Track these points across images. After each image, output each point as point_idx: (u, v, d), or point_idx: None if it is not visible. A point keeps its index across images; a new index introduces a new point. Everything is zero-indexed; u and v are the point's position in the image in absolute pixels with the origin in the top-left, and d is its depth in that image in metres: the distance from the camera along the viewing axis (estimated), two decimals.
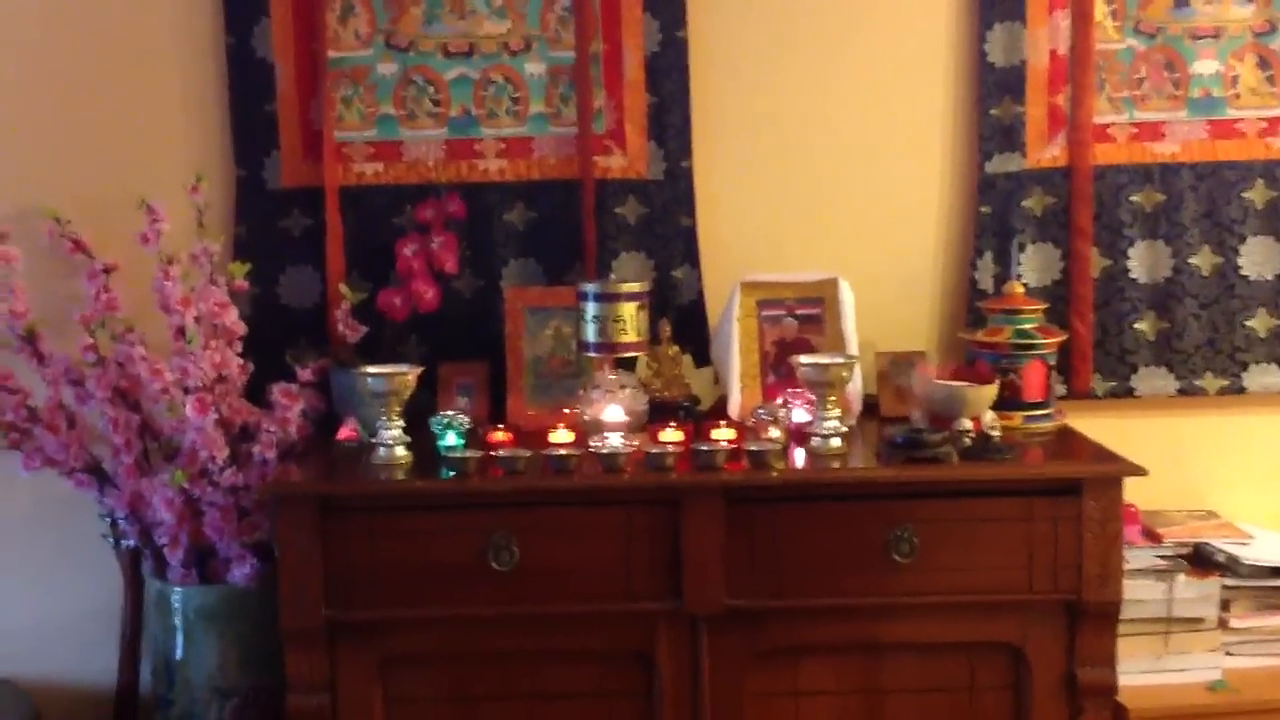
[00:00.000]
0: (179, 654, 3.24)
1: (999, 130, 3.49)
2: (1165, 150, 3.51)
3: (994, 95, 3.49)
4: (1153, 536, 3.34)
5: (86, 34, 3.44)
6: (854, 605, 2.94)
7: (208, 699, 3.21)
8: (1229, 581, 3.26)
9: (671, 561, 2.91)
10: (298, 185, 3.46)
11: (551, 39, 3.46)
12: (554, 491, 2.92)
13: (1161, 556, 3.28)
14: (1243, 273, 3.52)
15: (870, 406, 3.36)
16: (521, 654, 2.97)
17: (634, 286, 3.17)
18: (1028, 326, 3.28)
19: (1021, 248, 3.49)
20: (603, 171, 3.47)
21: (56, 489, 3.36)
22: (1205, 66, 3.51)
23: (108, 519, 3.36)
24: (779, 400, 3.17)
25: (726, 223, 3.53)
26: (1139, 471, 2.91)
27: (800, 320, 3.35)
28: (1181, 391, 3.53)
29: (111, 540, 3.38)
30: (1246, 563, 3.26)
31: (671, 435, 3.04)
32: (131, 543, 3.34)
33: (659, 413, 3.24)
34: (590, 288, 3.16)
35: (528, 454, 2.94)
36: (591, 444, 3.02)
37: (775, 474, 2.91)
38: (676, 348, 3.38)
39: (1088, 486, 2.90)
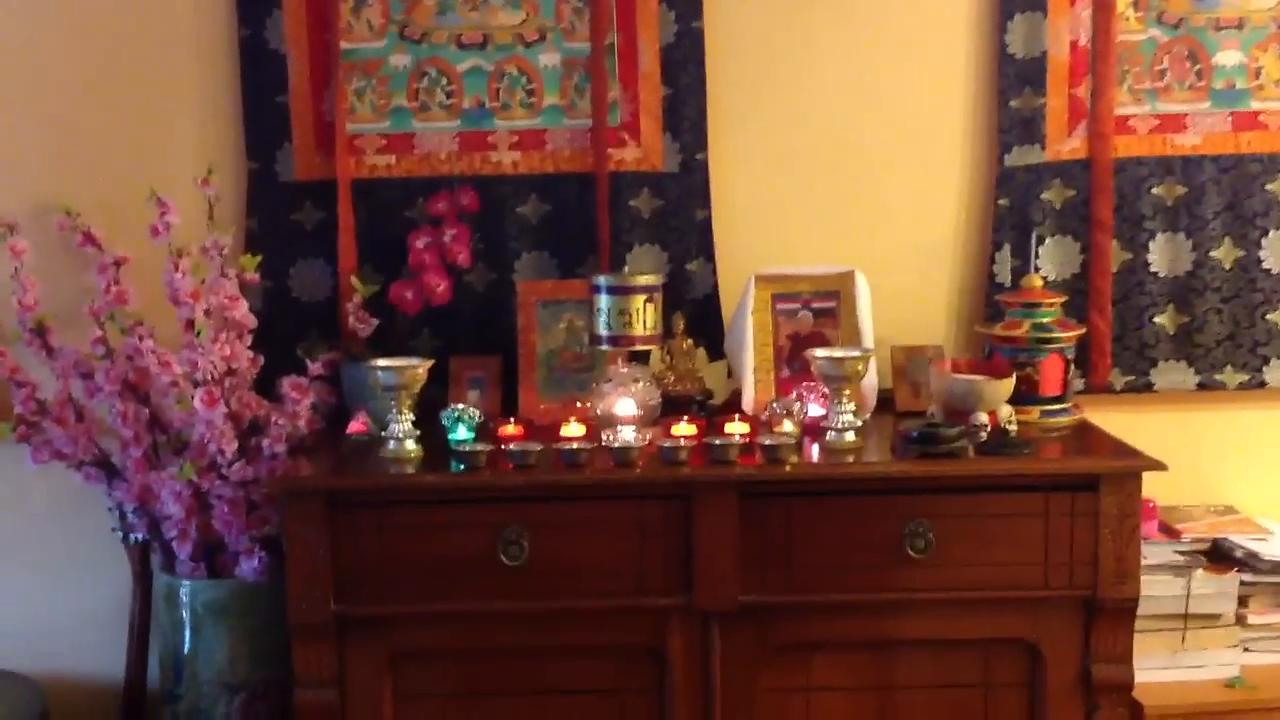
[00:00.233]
0: (187, 648, 3.22)
1: (1019, 122, 3.45)
2: (1187, 142, 3.47)
3: (1014, 87, 3.45)
4: (1170, 532, 3.31)
5: (98, 26, 3.42)
6: (867, 601, 2.91)
7: (216, 693, 3.19)
8: (1247, 577, 3.22)
9: (683, 557, 2.88)
10: (310, 178, 3.43)
11: (566, 30, 3.44)
12: (565, 486, 2.89)
13: (1179, 552, 3.25)
14: (1265, 266, 3.47)
15: (885, 401, 3.32)
16: (532, 649, 2.94)
17: (647, 280, 3.15)
18: (1046, 320, 3.25)
19: (1040, 241, 3.45)
20: (617, 164, 3.44)
21: (66, 482, 3.35)
22: (1228, 58, 3.47)
23: (117, 512, 3.34)
24: (793, 394, 3.14)
25: (742, 216, 3.49)
26: (1158, 466, 2.88)
27: (815, 314, 3.32)
28: (1201, 386, 3.49)
29: (120, 534, 3.37)
30: (1265, 558, 3.22)
31: (684, 429, 3.01)
32: (140, 536, 3.33)
33: (672, 407, 3.20)
34: (603, 280, 3.13)
35: (538, 448, 2.91)
36: (603, 438, 2.99)
37: (788, 468, 2.88)
38: (690, 341, 3.35)
39: (1105, 482, 2.86)
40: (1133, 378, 3.49)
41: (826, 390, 3.04)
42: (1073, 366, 3.28)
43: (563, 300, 3.34)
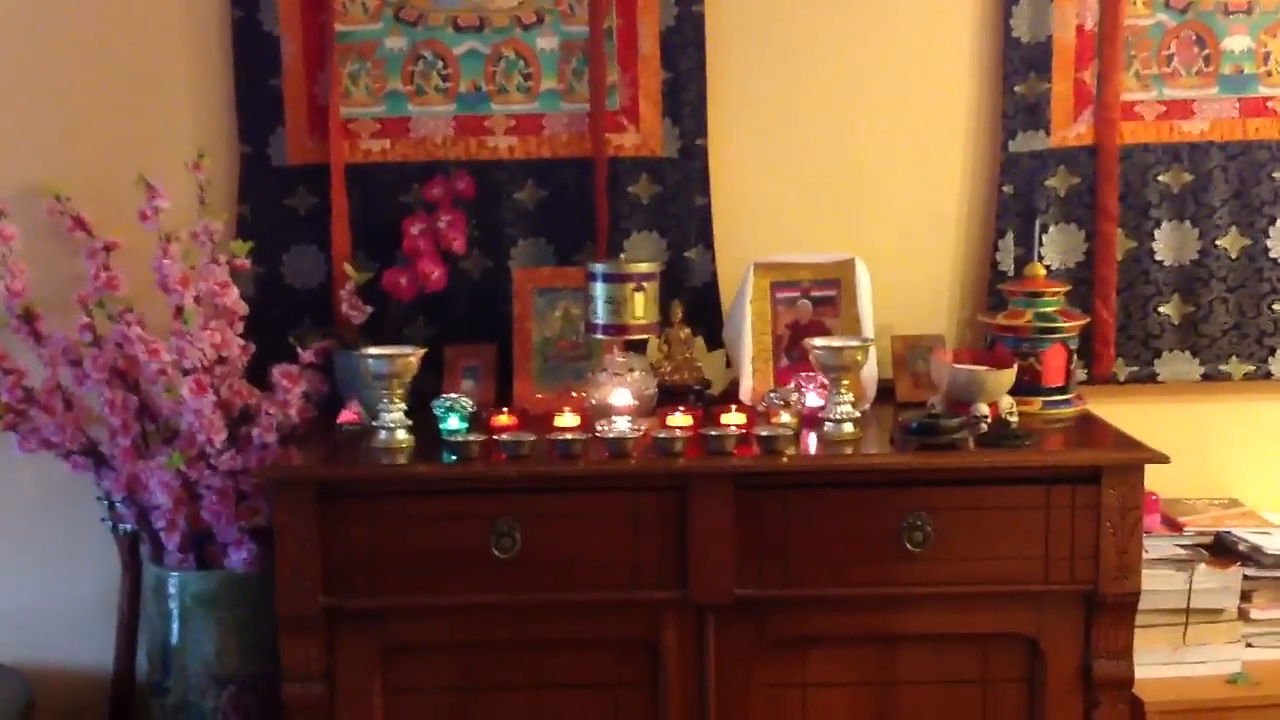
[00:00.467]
0: (175, 640, 3.18)
1: (1023, 108, 3.40)
2: (1194, 129, 3.42)
3: (1019, 71, 3.40)
4: (1173, 525, 3.27)
5: (88, 7, 3.37)
6: (865, 595, 2.88)
7: (204, 686, 3.15)
8: (1250, 572, 3.18)
9: (679, 549, 2.84)
10: (303, 162, 3.39)
11: (564, 13, 3.39)
12: (558, 477, 2.85)
13: (1182, 546, 3.21)
14: (1272, 255, 3.42)
15: (886, 391, 3.28)
16: (525, 643, 2.91)
17: (644, 267, 3.10)
18: (1049, 310, 3.20)
19: (1044, 229, 3.40)
20: (615, 149, 3.40)
21: (55, 471, 3.31)
22: (1237, 43, 3.41)
23: (106, 502, 3.30)
24: (791, 384, 3.09)
25: (742, 202, 3.45)
26: (1160, 459, 2.83)
27: (815, 302, 3.27)
28: (1206, 377, 3.45)
29: (110, 524, 3.33)
30: (1269, 552, 3.18)
31: (680, 420, 2.97)
32: (129, 526, 3.29)
33: (669, 397, 3.17)
34: (599, 268, 3.09)
35: (532, 438, 2.87)
36: (598, 428, 2.95)
37: (785, 460, 2.84)
38: (688, 330, 3.31)
39: (1107, 474, 2.82)
40: (1137, 368, 3.44)
41: (825, 380, 3.00)
42: (1076, 357, 3.24)
43: (559, 288, 3.30)
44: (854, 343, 2.99)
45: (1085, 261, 3.42)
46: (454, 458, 2.88)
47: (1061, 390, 3.19)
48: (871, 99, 3.43)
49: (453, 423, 2.98)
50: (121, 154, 3.35)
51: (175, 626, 3.19)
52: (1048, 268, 3.34)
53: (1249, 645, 3.19)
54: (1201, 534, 3.25)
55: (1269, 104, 3.41)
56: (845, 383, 2.96)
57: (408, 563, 2.84)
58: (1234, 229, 3.42)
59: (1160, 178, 3.41)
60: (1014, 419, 2.95)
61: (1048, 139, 3.40)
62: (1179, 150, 3.41)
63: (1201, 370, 3.44)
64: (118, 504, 3.27)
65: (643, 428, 2.95)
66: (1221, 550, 3.23)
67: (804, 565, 2.85)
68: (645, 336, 3.15)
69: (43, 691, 3.38)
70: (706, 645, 2.87)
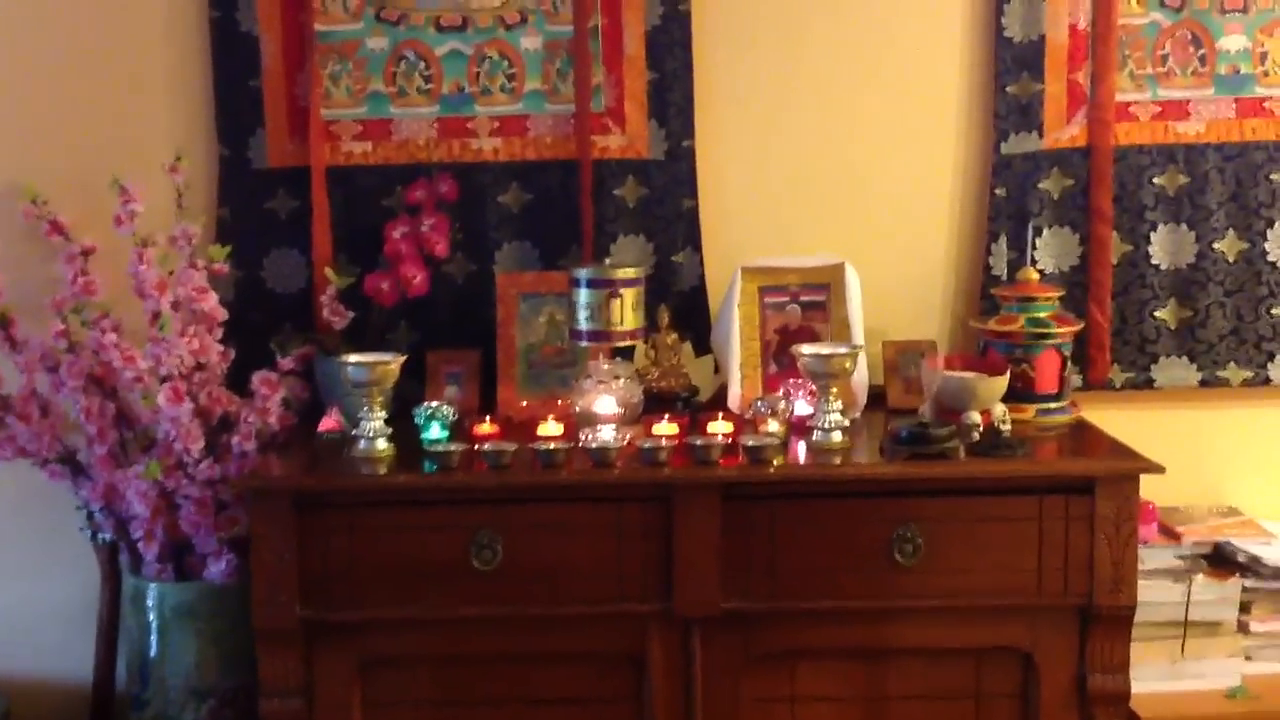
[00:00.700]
0: (154, 652, 3.13)
1: (1015, 109, 3.35)
2: (1190, 130, 3.37)
3: (1011, 72, 3.34)
4: (1171, 535, 3.22)
5: (65, 7, 3.32)
6: (855, 608, 2.82)
7: (183, 700, 3.10)
8: (1250, 583, 3.13)
9: (664, 561, 2.79)
10: (283, 165, 3.34)
11: (548, 12, 3.33)
12: (541, 487, 2.80)
13: (1179, 556, 3.16)
14: (1270, 259, 3.37)
15: (877, 398, 3.23)
16: (507, 656, 2.86)
17: (629, 272, 3.04)
18: (1042, 315, 3.15)
19: (1038, 232, 3.35)
20: (601, 151, 3.35)
21: (34, 478, 3.25)
22: (1233, 42, 3.36)
23: (85, 511, 3.24)
24: (779, 392, 3.04)
25: (730, 205, 3.40)
26: (1156, 469, 2.79)
27: (804, 307, 3.22)
28: (1204, 383, 3.39)
29: (89, 532, 3.27)
30: (1268, 563, 3.12)
31: (665, 428, 2.92)
32: (108, 536, 3.23)
33: (656, 403, 3.12)
34: (583, 274, 3.03)
35: (513, 448, 2.82)
36: (582, 437, 2.89)
37: (772, 470, 2.79)
38: (675, 335, 3.26)
39: (1101, 484, 2.77)
40: (1133, 374, 3.39)
41: (814, 387, 2.94)
42: (1070, 363, 3.18)
43: (543, 293, 3.25)
44: (842, 350, 2.93)
45: (1080, 265, 3.37)
46: (434, 467, 2.82)
47: (1056, 397, 3.14)
48: (861, 100, 3.38)
49: (434, 431, 2.93)
50: (99, 156, 3.29)
51: (154, 638, 3.14)
52: (1041, 272, 3.29)
53: (1248, 659, 3.13)
54: (1199, 544, 3.19)
55: (1266, 104, 3.36)
56: (834, 390, 2.90)
57: (387, 575, 2.79)
58: (1231, 232, 3.37)
59: (1156, 180, 3.36)
60: (1006, 427, 2.89)
61: (1041, 140, 3.35)
62: (1174, 152, 3.36)
63: (1199, 376, 3.39)
64: (96, 513, 3.21)
65: (627, 436, 2.90)
66: (1220, 561, 3.18)
67: (792, 577, 2.80)
68: (630, 344, 3.09)
69: (20, 702, 3.34)
70: (693, 659, 2.82)
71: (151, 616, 3.13)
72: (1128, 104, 3.35)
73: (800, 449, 2.91)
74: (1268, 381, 3.39)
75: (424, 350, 3.27)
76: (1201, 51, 3.36)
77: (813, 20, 3.36)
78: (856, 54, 3.37)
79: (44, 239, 3.22)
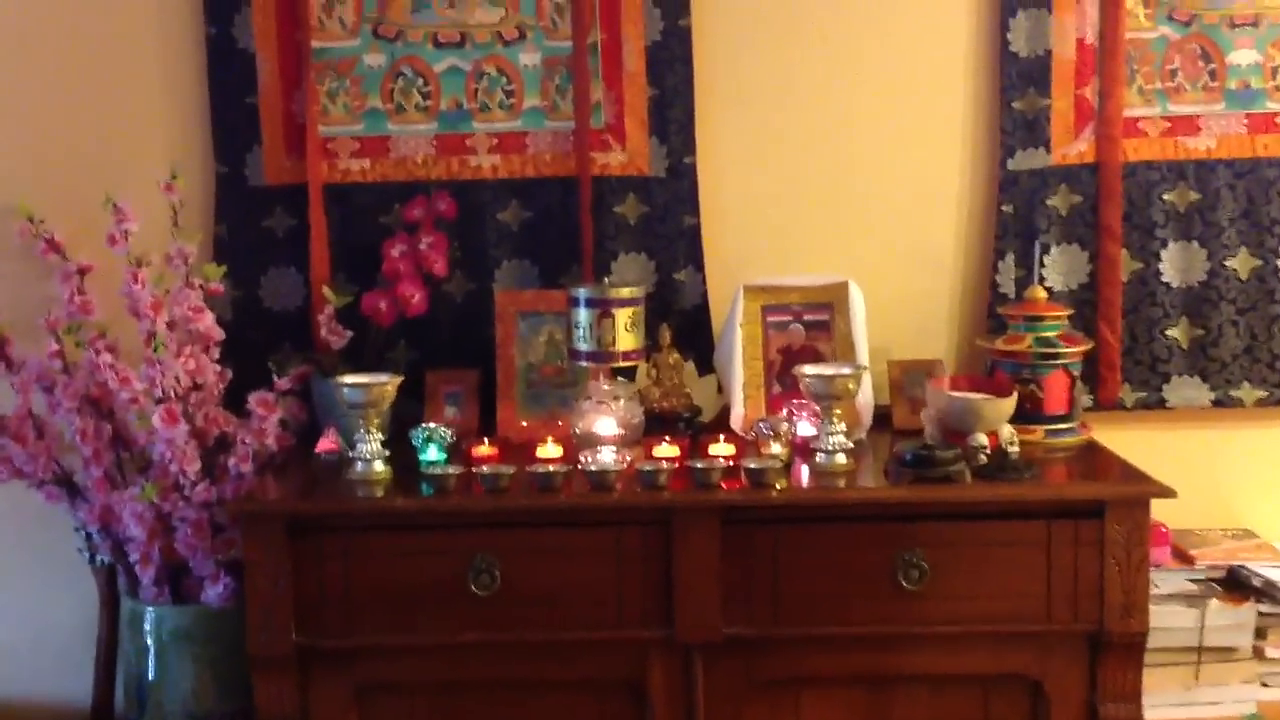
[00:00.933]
0: (152, 676, 3.09)
1: (1022, 124, 3.30)
2: (1200, 145, 3.32)
3: (1017, 87, 3.30)
4: (1184, 558, 3.16)
5: (60, 23, 3.30)
6: (859, 634, 2.77)
7: None
8: (1265, 608, 3.06)
9: (664, 586, 2.74)
10: (281, 183, 3.31)
11: (547, 28, 3.30)
12: (538, 511, 2.76)
13: (1193, 580, 3.10)
14: None
15: (883, 418, 3.18)
16: (505, 683, 2.81)
17: (628, 292, 3.00)
18: (1050, 334, 3.10)
19: (1046, 249, 3.30)
20: (601, 168, 3.30)
21: (33, 499, 3.21)
22: (1243, 56, 3.32)
23: (83, 532, 3.20)
24: (782, 413, 2.99)
25: (732, 222, 3.36)
26: (1167, 493, 2.73)
27: (808, 326, 3.17)
28: (1217, 403, 3.34)
29: (87, 555, 3.23)
30: None
31: (666, 450, 2.88)
32: (106, 558, 3.19)
33: (658, 424, 3.07)
34: (581, 293, 2.98)
35: (511, 470, 2.77)
36: (581, 460, 2.85)
37: (774, 494, 2.74)
38: (677, 355, 3.21)
39: (1111, 508, 2.71)
40: (1144, 394, 3.34)
41: (817, 408, 2.89)
42: (1080, 382, 3.13)
43: (543, 312, 3.21)
44: (845, 370, 2.89)
45: (1089, 283, 3.32)
46: (430, 491, 2.77)
47: (1065, 418, 3.08)
48: (865, 115, 3.34)
49: (431, 453, 2.89)
50: (95, 174, 3.26)
51: (151, 662, 3.10)
52: (1049, 290, 3.24)
53: (1264, 685, 3.06)
54: (1214, 568, 3.14)
55: (1278, 120, 3.31)
56: (837, 412, 2.85)
57: (383, 600, 2.74)
58: (1243, 249, 3.31)
59: (1165, 196, 3.31)
60: (1014, 449, 2.83)
61: (1048, 156, 3.30)
62: (1184, 168, 3.31)
63: (1212, 396, 3.34)
64: (93, 535, 3.17)
65: (627, 459, 2.85)
66: (1235, 585, 3.12)
67: (795, 603, 2.75)
68: (629, 364, 3.04)
69: None
70: (694, 686, 2.77)
71: (149, 640, 3.09)
72: (1136, 119, 3.31)
73: (803, 471, 2.87)
74: None
75: (423, 370, 3.23)
76: (1211, 66, 3.31)
77: (816, 35, 3.32)
78: (860, 69, 3.33)
79: (40, 258, 3.18)
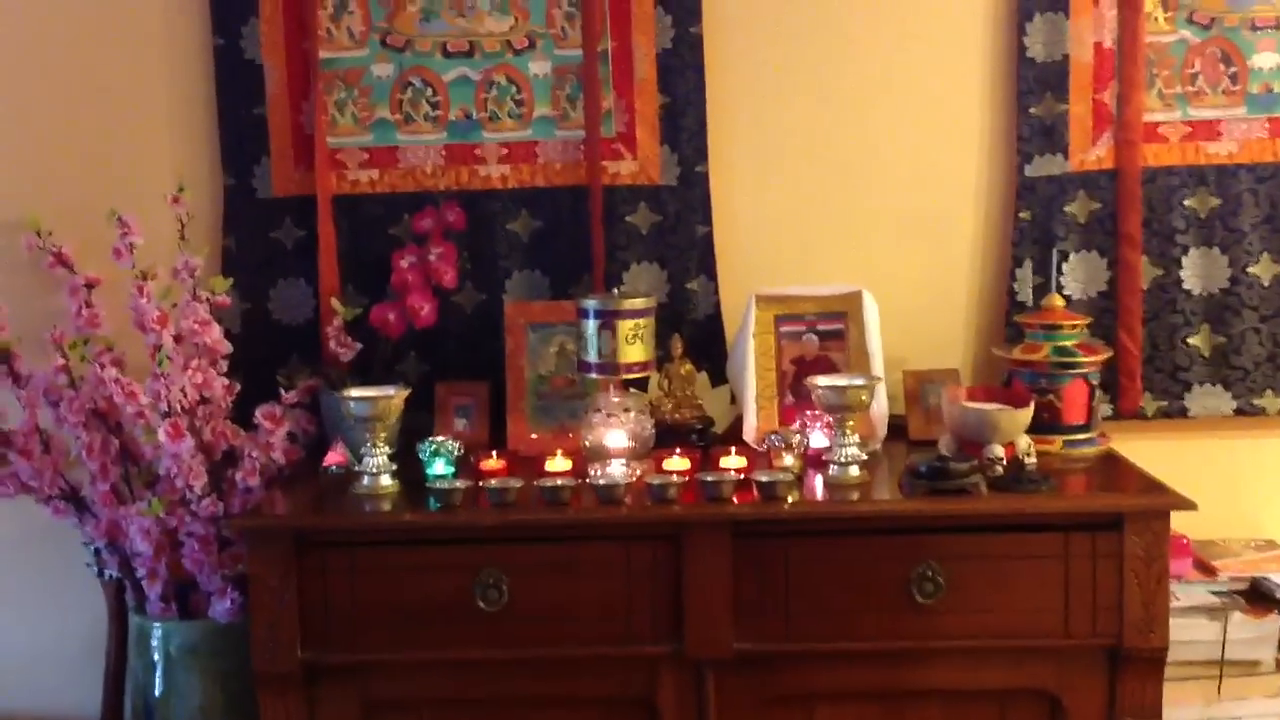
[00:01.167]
0: (159, 692, 3.07)
1: (1040, 130, 3.26)
2: (1221, 150, 3.27)
3: (1034, 92, 3.25)
4: (1206, 570, 3.11)
5: (67, 36, 3.29)
6: (873, 649, 2.72)
7: None
8: None
9: (674, 601, 2.69)
10: (289, 194, 3.29)
11: (557, 36, 3.26)
12: (546, 525, 2.71)
13: (1215, 592, 3.05)
14: None
15: (898, 428, 3.13)
16: (513, 700, 2.77)
17: (639, 303, 2.95)
18: (1068, 343, 3.04)
19: (1064, 257, 3.25)
20: (612, 177, 3.27)
21: (42, 513, 3.19)
22: (1265, 60, 3.26)
23: (92, 547, 3.18)
24: (795, 424, 2.94)
25: (745, 231, 3.32)
26: (1187, 505, 2.67)
27: (821, 336, 3.13)
28: (1239, 411, 3.28)
29: (95, 569, 3.21)
30: None
31: (676, 463, 2.84)
32: (114, 573, 3.16)
33: (670, 436, 3.03)
34: (591, 304, 2.94)
35: (519, 484, 2.73)
36: (590, 473, 2.81)
37: (786, 507, 2.69)
38: (690, 365, 3.18)
39: (1130, 520, 2.66)
40: (1165, 403, 3.28)
41: (830, 419, 2.84)
42: (1100, 392, 3.08)
43: (553, 323, 3.17)
44: (859, 381, 2.84)
45: (1108, 291, 3.27)
46: (437, 505, 2.74)
47: (1083, 428, 3.03)
48: (880, 122, 3.29)
49: (438, 466, 2.85)
50: (103, 187, 3.26)
51: (159, 678, 3.07)
52: (1068, 298, 3.19)
53: None
54: (1236, 579, 3.09)
55: None
56: (850, 423, 2.81)
57: (389, 615, 2.71)
58: (1266, 255, 3.27)
59: (1186, 202, 3.26)
60: (1031, 460, 2.79)
61: (1066, 163, 3.25)
62: (1205, 173, 3.26)
63: (1234, 404, 3.28)
64: (102, 550, 3.15)
65: (637, 472, 2.81)
66: (1258, 597, 3.07)
67: (807, 618, 2.70)
68: (639, 375, 2.99)
69: None
70: (705, 702, 2.72)
71: (156, 656, 3.07)
72: (1156, 124, 3.26)
73: (817, 484, 2.82)
74: None
75: (434, 382, 3.20)
76: (1233, 69, 3.26)
77: (829, 41, 3.28)
78: (874, 75, 3.29)
79: (48, 271, 3.16)
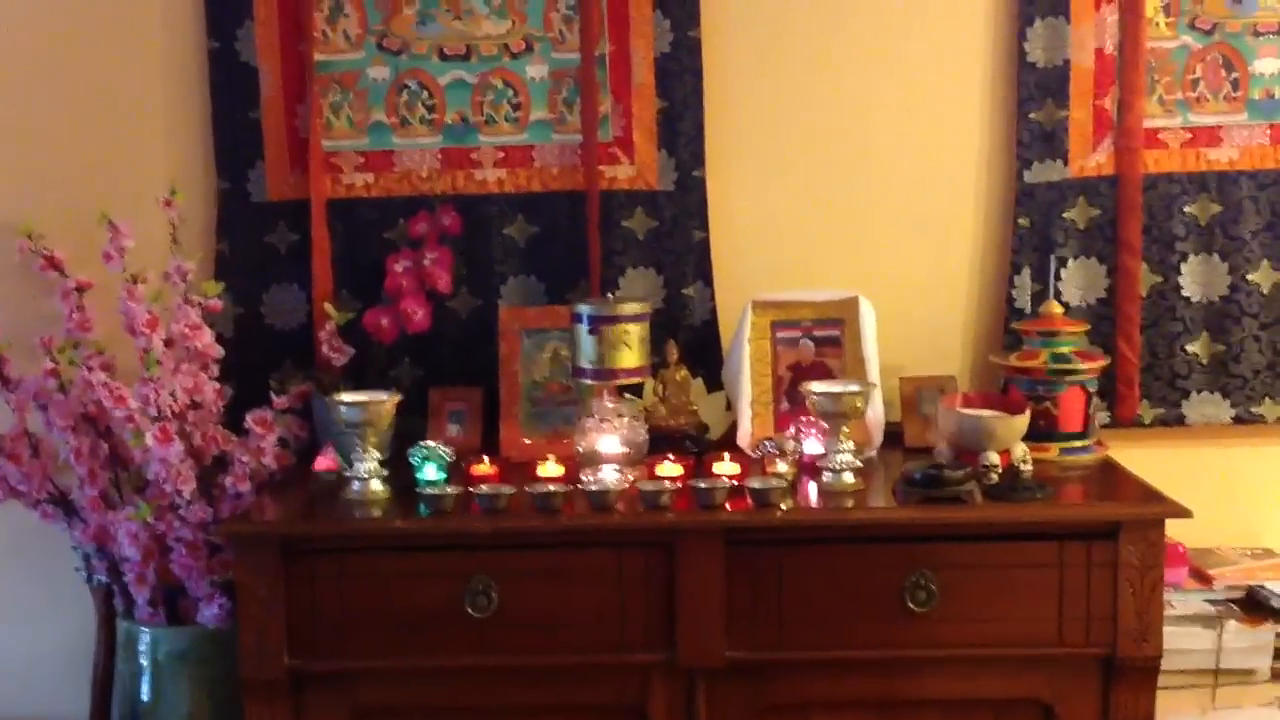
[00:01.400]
0: (147, 699, 3.05)
1: (1039, 136, 3.23)
2: (1222, 157, 3.24)
3: (1034, 98, 3.23)
4: (1202, 578, 3.08)
5: (61, 38, 3.27)
6: (866, 658, 2.70)
7: None
8: None
9: (666, 609, 2.67)
10: (283, 198, 3.27)
11: (555, 40, 3.24)
12: (537, 532, 2.69)
13: (1211, 601, 3.03)
14: None
15: (895, 435, 3.11)
16: (504, 709, 2.75)
17: (633, 308, 2.93)
18: (1065, 350, 3.03)
19: (1063, 263, 3.23)
20: (609, 182, 3.25)
21: (31, 518, 3.17)
22: (1267, 65, 3.24)
23: (81, 551, 3.16)
24: (790, 431, 2.92)
25: (742, 237, 3.30)
26: (1183, 513, 2.65)
27: (817, 342, 3.11)
28: (1238, 419, 3.26)
29: (84, 574, 3.19)
30: None
31: (669, 470, 2.82)
32: (103, 578, 3.14)
33: (664, 442, 3.01)
34: (585, 309, 2.92)
35: (510, 490, 2.71)
36: (582, 479, 2.78)
37: (779, 514, 2.67)
38: (685, 371, 3.16)
39: (1126, 529, 2.64)
40: (1163, 410, 3.26)
41: (825, 426, 2.82)
42: (1098, 399, 3.06)
43: (548, 329, 3.15)
44: (853, 388, 2.82)
45: (1107, 298, 3.25)
46: (427, 511, 2.72)
47: (1080, 436, 3.01)
48: (878, 127, 3.27)
49: (430, 472, 2.83)
50: (96, 190, 3.25)
51: (146, 684, 3.06)
52: (1066, 305, 3.17)
53: None
54: (1232, 588, 3.06)
55: None
56: (845, 430, 2.79)
57: (378, 623, 2.69)
58: (1266, 262, 3.24)
59: (1186, 209, 3.23)
60: (1027, 468, 2.77)
61: (1066, 169, 3.23)
62: (1206, 180, 3.23)
63: (1233, 413, 3.26)
64: (90, 555, 3.13)
65: (630, 478, 2.79)
66: (1253, 606, 3.04)
67: (800, 625, 2.68)
68: (633, 381, 2.97)
69: None
70: (697, 711, 2.70)
71: (144, 662, 3.05)
72: (1157, 130, 3.23)
73: (811, 491, 2.80)
74: None
75: (427, 387, 3.19)
76: (1234, 75, 3.23)
77: (828, 45, 3.26)
78: (873, 79, 3.27)
79: (39, 275, 3.15)
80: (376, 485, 2.81)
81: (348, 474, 2.85)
